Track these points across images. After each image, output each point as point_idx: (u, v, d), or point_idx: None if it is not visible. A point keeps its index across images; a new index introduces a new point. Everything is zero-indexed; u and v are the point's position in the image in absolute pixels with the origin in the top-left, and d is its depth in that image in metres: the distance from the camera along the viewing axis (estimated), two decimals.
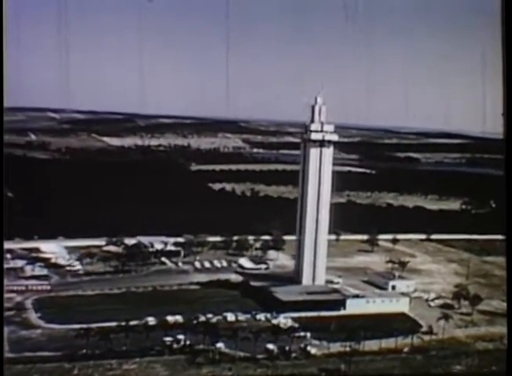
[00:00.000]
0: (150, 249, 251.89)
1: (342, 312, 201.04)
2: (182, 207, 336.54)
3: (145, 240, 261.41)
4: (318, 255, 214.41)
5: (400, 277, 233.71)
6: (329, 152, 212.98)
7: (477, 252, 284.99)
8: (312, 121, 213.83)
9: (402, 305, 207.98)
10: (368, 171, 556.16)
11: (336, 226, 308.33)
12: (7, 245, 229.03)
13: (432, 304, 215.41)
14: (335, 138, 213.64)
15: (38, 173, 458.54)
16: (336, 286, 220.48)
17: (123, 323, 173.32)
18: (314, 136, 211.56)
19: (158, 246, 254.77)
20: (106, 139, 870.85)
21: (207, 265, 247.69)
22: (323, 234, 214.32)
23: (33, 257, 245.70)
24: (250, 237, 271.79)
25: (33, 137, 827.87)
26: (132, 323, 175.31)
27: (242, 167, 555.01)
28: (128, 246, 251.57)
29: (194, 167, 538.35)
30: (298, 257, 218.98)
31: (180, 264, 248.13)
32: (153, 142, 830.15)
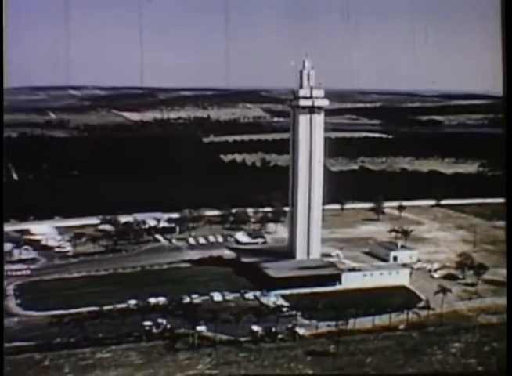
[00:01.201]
0: (144, 226, 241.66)
1: (337, 288, 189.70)
2: (189, 180, 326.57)
3: (141, 217, 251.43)
4: (312, 228, 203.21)
5: (403, 247, 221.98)
6: (319, 119, 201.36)
7: (488, 217, 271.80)
8: (301, 86, 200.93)
9: (402, 278, 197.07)
10: (384, 136, 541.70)
11: (344, 194, 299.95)
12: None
13: (435, 275, 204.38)
14: (326, 103, 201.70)
15: (50, 152, 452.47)
16: (333, 259, 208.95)
17: (99, 308, 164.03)
18: (303, 103, 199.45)
19: (152, 223, 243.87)
20: (125, 114, 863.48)
21: (201, 241, 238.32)
22: (317, 205, 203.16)
23: (23, 239, 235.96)
24: (250, 210, 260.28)
25: (52, 116, 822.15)
26: (110, 307, 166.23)
27: (256, 137, 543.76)
28: (121, 224, 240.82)
29: (207, 139, 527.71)
30: (291, 230, 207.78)
31: (174, 241, 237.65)
32: (173, 115, 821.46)
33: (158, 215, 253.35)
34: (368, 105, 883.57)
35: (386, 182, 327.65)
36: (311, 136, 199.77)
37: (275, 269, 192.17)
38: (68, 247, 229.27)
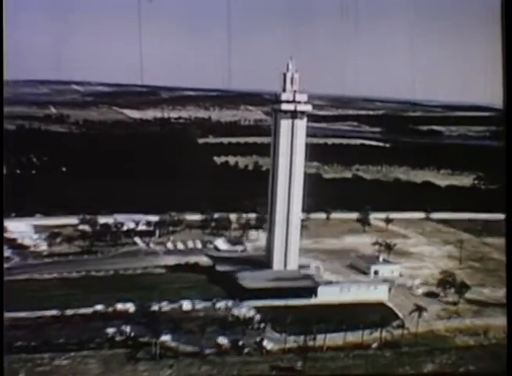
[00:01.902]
0: (123, 228, 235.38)
1: (312, 301, 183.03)
2: (176, 182, 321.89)
3: (122, 218, 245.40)
4: (290, 237, 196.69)
5: (385, 261, 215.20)
6: (301, 124, 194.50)
7: (477, 233, 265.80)
8: (284, 89, 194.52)
9: (380, 293, 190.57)
10: (382, 144, 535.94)
11: (334, 203, 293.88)
12: None
13: (416, 292, 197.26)
14: (309, 108, 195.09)
15: (42, 147, 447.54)
16: (312, 271, 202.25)
17: (61, 313, 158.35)
18: (285, 107, 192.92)
19: (132, 225, 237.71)
20: (126, 111, 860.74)
21: (179, 246, 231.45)
22: (296, 214, 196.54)
23: None
24: (233, 215, 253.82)
25: (53, 110, 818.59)
26: (74, 311, 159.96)
27: (253, 140, 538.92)
28: (100, 225, 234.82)
29: (202, 140, 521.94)
30: (269, 239, 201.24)
31: (151, 245, 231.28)
32: (173, 114, 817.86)
33: (139, 216, 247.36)
34: (370, 112, 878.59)
35: (377, 192, 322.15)
36: (293, 142, 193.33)
37: (249, 280, 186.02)
38: (43, 247, 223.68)
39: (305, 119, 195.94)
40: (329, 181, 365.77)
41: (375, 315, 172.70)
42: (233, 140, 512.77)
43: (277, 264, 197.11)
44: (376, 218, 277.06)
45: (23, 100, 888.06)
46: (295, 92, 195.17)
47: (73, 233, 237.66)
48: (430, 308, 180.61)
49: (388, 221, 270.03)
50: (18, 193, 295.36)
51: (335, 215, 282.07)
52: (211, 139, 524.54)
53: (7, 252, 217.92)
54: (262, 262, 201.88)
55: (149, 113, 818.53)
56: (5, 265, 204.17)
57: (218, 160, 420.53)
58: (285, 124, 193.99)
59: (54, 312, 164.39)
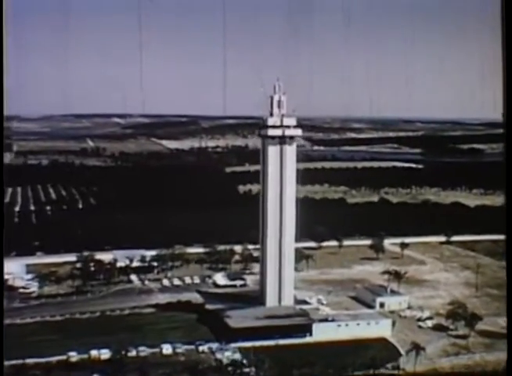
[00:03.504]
0: (120, 265, 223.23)
1: (307, 340, 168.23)
2: (195, 213, 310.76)
3: (121, 254, 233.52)
4: (284, 270, 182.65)
5: (393, 292, 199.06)
6: (291, 149, 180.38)
7: (499, 256, 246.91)
8: (271, 114, 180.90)
9: (382, 329, 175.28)
10: (414, 165, 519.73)
11: (351, 230, 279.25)
12: None
13: (423, 325, 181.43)
14: (298, 133, 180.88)
15: (70, 181, 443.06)
16: (310, 306, 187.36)
17: (22, 362, 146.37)
18: (271, 132, 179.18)
19: (128, 262, 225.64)
20: (164, 142, 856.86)
21: (176, 282, 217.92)
22: (288, 245, 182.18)
23: None
24: (238, 247, 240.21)
25: (90, 143, 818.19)
26: (45, 360, 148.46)
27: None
28: (96, 262, 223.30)
29: (229, 169, 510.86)
30: (261, 273, 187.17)
31: (147, 282, 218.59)
32: (211, 143, 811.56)
33: (135, 252, 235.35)
34: (410, 133, 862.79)
35: (400, 216, 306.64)
36: (282, 169, 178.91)
37: (236, 318, 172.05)
38: (33, 288, 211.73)
39: (294, 144, 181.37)
40: (353, 206, 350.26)
41: (375, 352, 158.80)
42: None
43: (270, 300, 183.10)
44: (392, 243, 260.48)
45: (62, 135, 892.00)
46: (283, 115, 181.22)
47: (69, 272, 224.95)
48: (436, 343, 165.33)
49: (404, 246, 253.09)
50: (26, 229, 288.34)
51: (349, 242, 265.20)
52: (239, 168, 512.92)
53: None
54: (256, 298, 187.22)
55: (187, 143, 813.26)
56: None
57: (243, 188, 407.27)
58: (273, 151, 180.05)
59: (20, 362, 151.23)
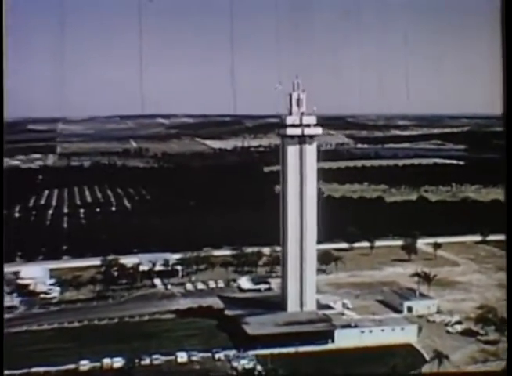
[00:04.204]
0: (143, 269, 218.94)
1: (329, 347, 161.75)
2: (228, 214, 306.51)
3: (147, 257, 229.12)
4: (305, 273, 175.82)
5: (422, 295, 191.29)
6: (311, 149, 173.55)
7: None
8: (290, 112, 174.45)
9: (408, 335, 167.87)
10: (455, 162, 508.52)
11: (387, 230, 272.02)
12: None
13: (451, 330, 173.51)
14: (318, 132, 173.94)
15: (113, 182, 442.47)
16: (334, 311, 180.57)
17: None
18: (291, 131, 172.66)
19: (151, 266, 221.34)
20: (208, 142, 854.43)
21: (200, 286, 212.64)
22: (310, 247, 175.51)
23: (12, 283, 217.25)
24: (266, 249, 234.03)
25: (133, 144, 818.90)
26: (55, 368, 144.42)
27: (327, 165, 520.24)
28: (120, 266, 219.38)
29: (268, 168, 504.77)
30: (283, 277, 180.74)
31: (170, 286, 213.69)
32: (254, 142, 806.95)
33: (165, 255, 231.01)
34: (455, 130, 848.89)
35: (437, 215, 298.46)
36: (302, 169, 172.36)
37: (255, 325, 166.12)
38: (55, 293, 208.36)
39: (315, 143, 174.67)
40: (391, 205, 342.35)
41: (400, 359, 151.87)
42: None
43: (292, 305, 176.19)
44: (426, 243, 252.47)
45: (106, 136, 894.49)
46: (302, 114, 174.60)
47: (92, 277, 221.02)
48: (464, 349, 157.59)
49: (437, 246, 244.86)
50: (57, 233, 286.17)
51: (382, 243, 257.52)
52: (278, 167, 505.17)
53: (15, 301, 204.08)
54: (278, 303, 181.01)
55: (231, 143, 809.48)
56: (9, 316, 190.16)
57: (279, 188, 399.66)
58: (292, 150, 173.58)
59: (35, 370, 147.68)
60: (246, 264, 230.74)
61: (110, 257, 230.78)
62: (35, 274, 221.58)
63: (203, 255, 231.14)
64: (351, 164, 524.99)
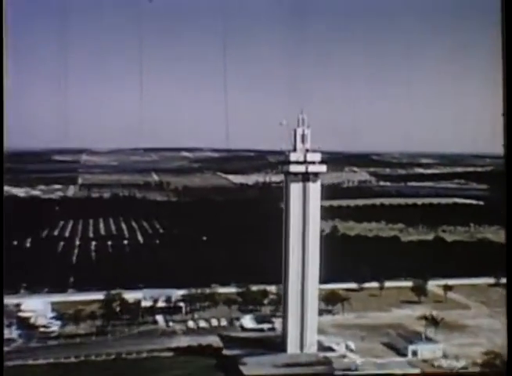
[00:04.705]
0: (144, 305, 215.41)
1: None
2: (237, 250, 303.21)
3: (151, 293, 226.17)
4: (306, 314, 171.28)
5: (428, 339, 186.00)
6: (314, 187, 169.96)
7: None
8: (294, 148, 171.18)
9: None
10: (475, 202, 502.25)
11: (399, 270, 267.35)
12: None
13: None
14: (323, 169, 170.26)
15: (129, 214, 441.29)
16: (336, 353, 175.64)
17: None
18: (294, 168, 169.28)
19: (153, 301, 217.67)
20: (230, 176, 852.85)
21: (202, 324, 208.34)
22: (312, 287, 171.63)
23: (12, 316, 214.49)
24: (271, 287, 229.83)
25: (154, 177, 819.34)
26: None
27: (346, 202, 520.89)
28: (120, 301, 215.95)
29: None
30: (284, 316, 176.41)
31: (171, 323, 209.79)
32: (275, 178, 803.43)
33: (170, 291, 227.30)
34: (479, 169, 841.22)
35: (451, 256, 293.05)
36: (305, 207, 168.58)
37: (252, 366, 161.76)
38: (54, 327, 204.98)
39: (319, 181, 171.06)
40: (405, 244, 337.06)
41: None
42: (325, 203, 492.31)
43: (292, 346, 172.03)
44: (437, 285, 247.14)
45: (128, 168, 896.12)
46: (307, 151, 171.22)
47: (95, 311, 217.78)
48: None
49: (447, 288, 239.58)
50: (66, 265, 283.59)
51: (392, 284, 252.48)
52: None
53: (13, 333, 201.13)
54: (279, 343, 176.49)
55: (252, 178, 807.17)
56: (6, 349, 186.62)
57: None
58: (295, 188, 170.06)
59: None
60: (251, 302, 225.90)
61: (114, 291, 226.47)
62: (37, 307, 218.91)
63: (208, 292, 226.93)
64: (370, 201, 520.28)
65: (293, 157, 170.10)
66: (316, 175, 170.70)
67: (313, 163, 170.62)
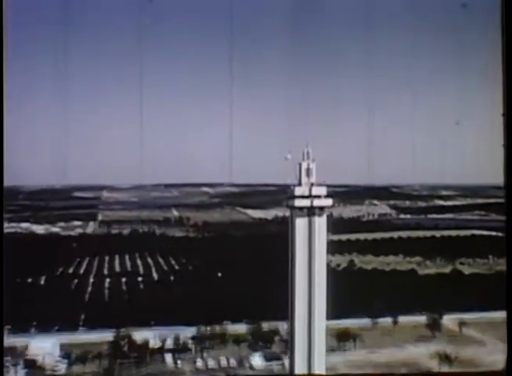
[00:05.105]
0: (152, 344, 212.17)
1: None
2: (253, 287, 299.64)
3: (160, 331, 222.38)
4: (314, 353, 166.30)
5: None
6: (320, 221, 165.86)
7: None
8: (299, 182, 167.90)
9: None
10: (494, 233, 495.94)
11: (414, 304, 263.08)
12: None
13: None
14: (329, 203, 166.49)
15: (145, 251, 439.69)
16: None
17: None
18: (299, 203, 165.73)
19: (161, 341, 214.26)
20: (249, 211, 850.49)
21: (211, 364, 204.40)
22: (319, 324, 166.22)
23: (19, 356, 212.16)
24: (284, 325, 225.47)
25: (175, 213, 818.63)
26: None
27: (363, 236, 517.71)
28: (129, 340, 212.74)
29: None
30: (290, 356, 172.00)
31: (179, 363, 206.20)
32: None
33: (179, 329, 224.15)
34: (499, 200, 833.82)
35: (468, 289, 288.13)
36: (311, 242, 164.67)
37: None
38: (61, 368, 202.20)
39: (325, 215, 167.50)
40: (422, 278, 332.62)
41: None
42: (343, 237, 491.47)
43: None
44: (452, 320, 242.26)
45: (149, 204, 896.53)
46: (312, 184, 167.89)
47: (104, 351, 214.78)
48: None
49: (462, 324, 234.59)
50: (79, 302, 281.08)
51: (406, 319, 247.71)
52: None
53: (19, 373, 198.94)
54: None
55: (272, 213, 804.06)
56: None
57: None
58: (301, 223, 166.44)
59: None
60: (261, 340, 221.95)
61: (123, 330, 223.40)
62: (44, 347, 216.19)
63: (218, 330, 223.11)
64: (388, 234, 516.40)
65: (297, 191, 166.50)
66: (322, 209, 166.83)
67: (319, 197, 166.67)
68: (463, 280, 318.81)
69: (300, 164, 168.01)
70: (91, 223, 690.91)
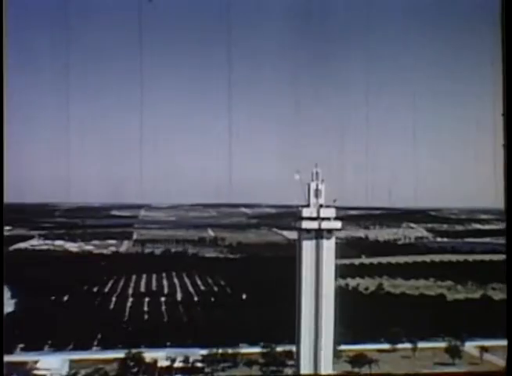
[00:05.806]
0: (161, 364, 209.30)
1: None
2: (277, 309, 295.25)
3: (170, 352, 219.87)
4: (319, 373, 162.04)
5: None
6: (328, 244, 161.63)
7: None
8: (308, 204, 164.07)
9: None
10: None
11: (437, 330, 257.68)
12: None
13: None
14: (337, 226, 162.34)
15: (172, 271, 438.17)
16: None
17: None
18: (306, 225, 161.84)
19: (170, 361, 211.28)
20: (285, 232, 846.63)
21: None
22: (326, 348, 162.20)
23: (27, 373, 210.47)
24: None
25: (210, 233, 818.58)
26: None
27: (395, 259, 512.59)
28: (137, 360, 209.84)
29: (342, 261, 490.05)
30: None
31: None
32: None
33: (192, 350, 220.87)
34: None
35: (496, 314, 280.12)
36: (318, 266, 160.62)
37: None
38: None
39: (333, 238, 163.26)
40: (449, 303, 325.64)
41: None
42: (376, 260, 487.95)
43: None
44: (474, 346, 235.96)
45: (185, 224, 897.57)
46: (321, 206, 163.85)
47: (113, 369, 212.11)
48: None
49: (484, 350, 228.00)
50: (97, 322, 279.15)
51: (427, 345, 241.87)
52: (347, 260, 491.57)
53: None
54: None
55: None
56: None
57: (343, 282, 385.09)
58: (308, 245, 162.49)
59: None
60: (273, 363, 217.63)
61: (135, 350, 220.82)
62: (53, 365, 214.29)
63: (230, 352, 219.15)
64: (421, 258, 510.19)
65: (305, 212, 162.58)
66: (330, 231, 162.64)
67: (328, 219, 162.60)
68: (491, 306, 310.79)
69: (308, 185, 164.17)
70: (126, 242, 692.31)
